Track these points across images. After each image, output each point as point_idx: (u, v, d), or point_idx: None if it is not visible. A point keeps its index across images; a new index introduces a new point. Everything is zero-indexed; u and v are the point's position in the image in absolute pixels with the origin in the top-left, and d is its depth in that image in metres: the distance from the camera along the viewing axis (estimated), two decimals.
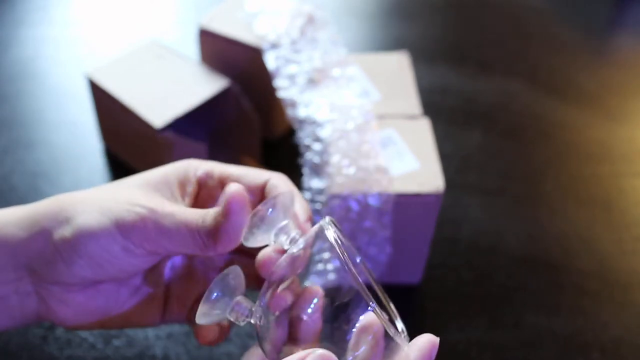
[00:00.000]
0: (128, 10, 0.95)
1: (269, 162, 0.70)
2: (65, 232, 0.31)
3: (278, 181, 0.36)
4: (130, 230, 0.31)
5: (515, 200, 0.68)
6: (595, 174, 0.72)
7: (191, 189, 0.36)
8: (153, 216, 0.31)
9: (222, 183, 0.36)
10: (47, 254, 0.31)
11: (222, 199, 0.31)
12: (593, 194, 0.70)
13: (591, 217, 0.67)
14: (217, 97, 0.63)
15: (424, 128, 0.56)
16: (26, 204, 0.34)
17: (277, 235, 0.32)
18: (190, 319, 0.36)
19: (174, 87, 0.63)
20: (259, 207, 0.31)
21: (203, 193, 0.37)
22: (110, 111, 0.65)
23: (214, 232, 0.31)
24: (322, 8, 0.67)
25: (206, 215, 0.32)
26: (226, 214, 0.31)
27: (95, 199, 0.33)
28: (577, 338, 0.56)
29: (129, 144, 0.66)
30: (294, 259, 0.31)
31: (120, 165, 0.69)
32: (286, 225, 0.32)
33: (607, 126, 0.79)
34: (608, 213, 0.68)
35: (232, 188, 0.31)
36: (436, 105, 0.80)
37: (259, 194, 0.36)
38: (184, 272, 0.37)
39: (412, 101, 0.59)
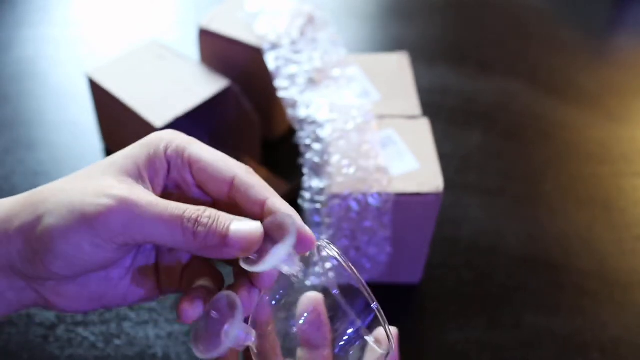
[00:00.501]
0: (128, 10, 0.95)
1: (269, 162, 0.70)
2: (37, 232, 0.31)
3: (246, 178, 0.33)
4: (95, 223, 0.30)
5: (515, 200, 0.69)
6: (595, 174, 0.72)
7: (161, 166, 0.34)
8: (122, 206, 0.30)
9: (191, 166, 0.34)
10: (26, 254, 0.31)
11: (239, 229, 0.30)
12: (593, 194, 0.70)
13: (591, 217, 0.67)
14: (217, 97, 0.63)
15: (423, 128, 0.56)
16: (10, 197, 0.33)
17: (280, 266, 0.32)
18: (181, 288, 0.35)
19: (174, 87, 0.63)
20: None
21: (173, 172, 0.35)
22: (110, 111, 0.65)
23: (204, 237, 0.30)
24: (322, 8, 0.67)
25: (210, 219, 0.31)
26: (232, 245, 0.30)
27: (65, 191, 0.32)
28: (577, 338, 0.56)
29: (129, 144, 0.66)
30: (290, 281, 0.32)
31: None
32: (290, 258, 0.31)
33: (607, 126, 0.79)
34: (608, 213, 0.68)
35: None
36: (436, 105, 0.80)
37: (226, 187, 0.34)
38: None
39: (412, 101, 0.59)
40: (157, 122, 0.58)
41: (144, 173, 0.33)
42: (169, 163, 0.34)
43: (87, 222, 0.30)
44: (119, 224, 0.30)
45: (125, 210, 0.30)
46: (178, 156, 0.34)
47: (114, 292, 0.34)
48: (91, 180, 0.32)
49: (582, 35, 0.96)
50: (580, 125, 0.79)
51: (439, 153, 0.55)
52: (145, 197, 0.31)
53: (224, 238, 0.30)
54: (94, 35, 0.89)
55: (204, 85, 0.63)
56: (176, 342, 0.52)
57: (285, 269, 0.31)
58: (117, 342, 0.52)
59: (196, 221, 0.30)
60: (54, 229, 0.30)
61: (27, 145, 0.71)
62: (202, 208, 0.31)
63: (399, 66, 0.63)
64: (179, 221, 0.30)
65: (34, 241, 0.31)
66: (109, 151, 0.71)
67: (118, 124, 0.66)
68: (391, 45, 0.91)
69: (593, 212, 0.68)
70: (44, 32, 0.89)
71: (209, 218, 0.31)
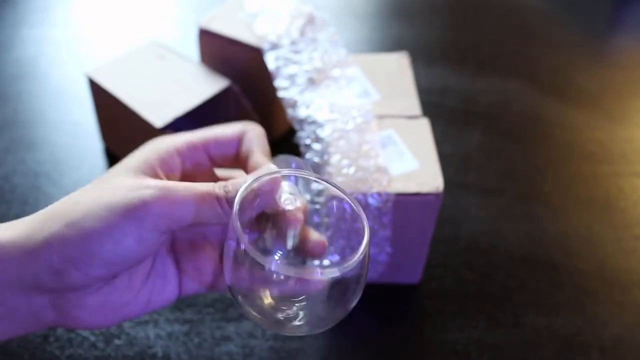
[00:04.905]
0: (128, 10, 0.95)
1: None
2: (72, 239, 0.31)
3: (252, 136, 0.39)
4: (142, 214, 0.31)
5: (515, 200, 0.69)
6: (594, 173, 0.73)
7: (175, 164, 0.36)
8: (163, 192, 0.31)
9: (207, 151, 0.37)
10: (59, 265, 0.31)
11: (255, 174, 0.34)
12: (593, 194, 0.70)
13: (591, 217, 0.67)
14: (217, 97, 0.63)
15: (423, 128, 0.56)
16: (22, 218, 0.33)
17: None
18: (213, 287, 0.37)
19: (174, 87, 0.63)
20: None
21: (187, 164, 0.37)
22: (110, 111, 0.66)
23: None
24: (321, 8, 0.67)
25: (233, 185, 0.33)
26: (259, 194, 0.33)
27: (94, 196, 0.32)
28: (577, 337, 0.56)
29: (129, 144, 0.66)
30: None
31: None
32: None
33: (606, 126, 0.79)
34: (608, 213, 0.68)
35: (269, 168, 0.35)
36: (436, 106, 0.80)
37: (236, 145, 0.38)
38: (188, 243, 0.37)
39: (412, 101, 0.59)
40: (157, 122, 0.58)
41: (159, 171, 0.35)
42: (182, 158, 0.36)
43: (133, 214, 0.31)
44: (164, 210, 0.31)
45: (167, 195, 0.32)
46: (191, 149, 0.37)
47: (137, 299, 0.34)
48: (113, 182, 0.33)
49: (582, 36, 0.96)
50: (580, 126, 0.79)
51: (439, 153, 0.55)
52: (184, 183, 0.33)
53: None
54: (94, 35, 0.89)
55: (204, 85, 0.63)
56: (176, 342, 0.53)
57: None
58: (117, 342, 0.52)
59: (225, 190, 0.33)
60: (95, 232, 0.30)
61: (27, 145, 0.71)
62: (223, 182, 0.34)
63: (399, 66, 0.63)
64: (213, 194, 0.32)
65: (69, 249, 0.31)
66: (109, 151, 0.71)
67: (118, 124, 0.66)
68: (391, 45, 0.91)
69: (593, 212, 0.68)
70: (44, 32, 0.89)
71: (232, 185, 0.33)
